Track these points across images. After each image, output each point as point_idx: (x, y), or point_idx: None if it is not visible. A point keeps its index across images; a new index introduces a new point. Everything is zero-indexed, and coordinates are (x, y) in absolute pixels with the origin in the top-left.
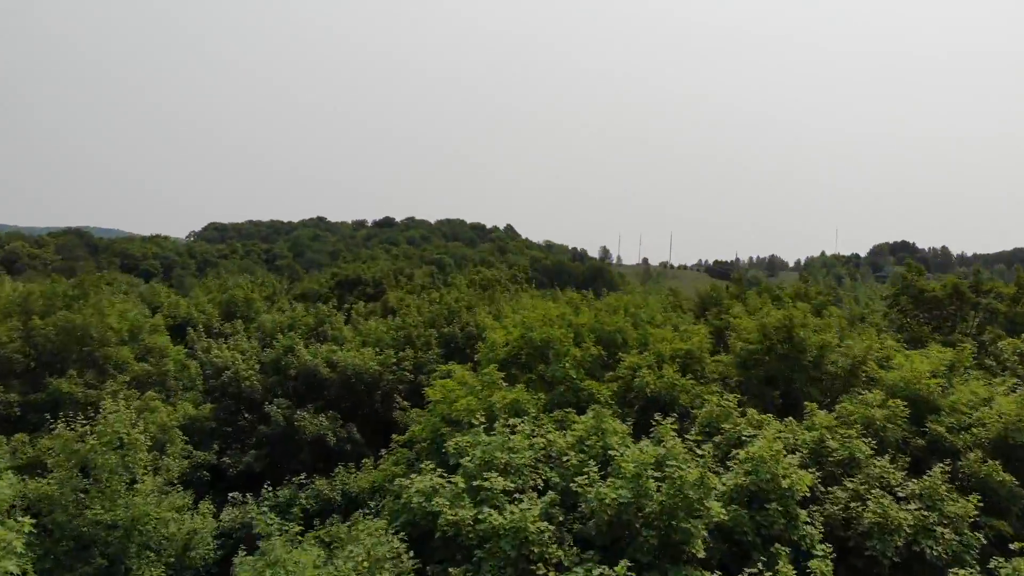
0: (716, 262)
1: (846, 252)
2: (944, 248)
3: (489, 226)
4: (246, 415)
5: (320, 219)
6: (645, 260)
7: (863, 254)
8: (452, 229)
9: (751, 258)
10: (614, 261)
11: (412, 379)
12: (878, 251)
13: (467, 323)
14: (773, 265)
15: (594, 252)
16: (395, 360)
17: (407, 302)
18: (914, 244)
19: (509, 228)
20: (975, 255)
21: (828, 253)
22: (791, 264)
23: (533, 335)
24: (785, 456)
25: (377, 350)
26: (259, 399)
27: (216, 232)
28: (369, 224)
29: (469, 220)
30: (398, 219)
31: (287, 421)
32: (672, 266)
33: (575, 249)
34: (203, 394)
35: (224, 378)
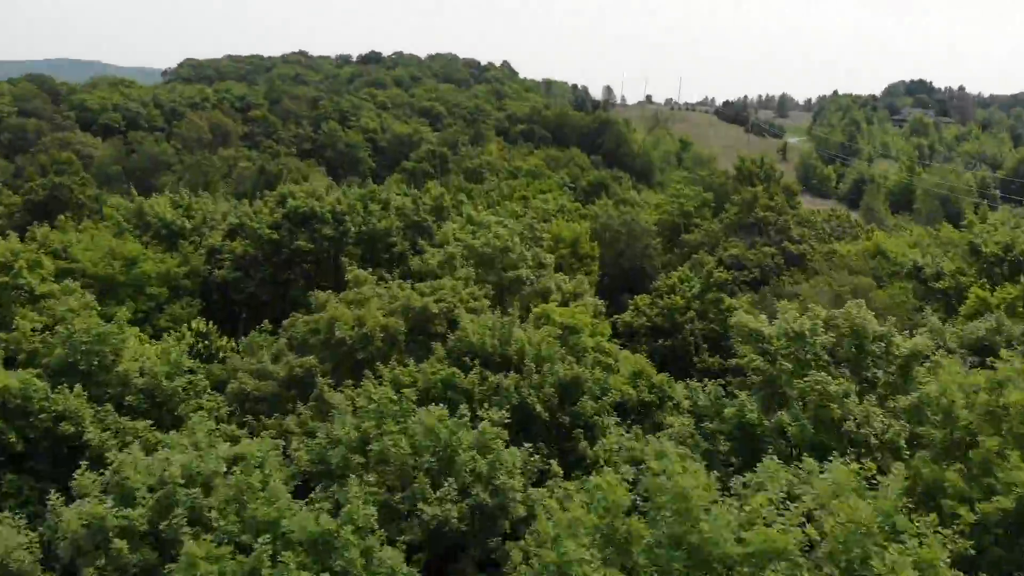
0: (725, 103)
1: (859, 91)
2: (961, 88)
3: (484, 63)
4: None
5: (302, 53)
6: (649, 98)
7: (878, 94)
8: (444, 67)
9: (760, 96)
10: (618, 101)
11: None
12: (893, 91)
13: (472, 475)
14: (784, 104)
15: (596, 91)
16: None
17: (369, 327)
18: (931, 83)
19: (506, 65)
20: (991, 96)
21: (841, 92)
22: (801, 103)
23: None
24: None
25: None
26: None
27: (192, 70)
28: (354, 59)
29: (463, 55)
30: (385, 53)
31: None
32: (678, 106)
33: (575, 87)
34: None
35: None
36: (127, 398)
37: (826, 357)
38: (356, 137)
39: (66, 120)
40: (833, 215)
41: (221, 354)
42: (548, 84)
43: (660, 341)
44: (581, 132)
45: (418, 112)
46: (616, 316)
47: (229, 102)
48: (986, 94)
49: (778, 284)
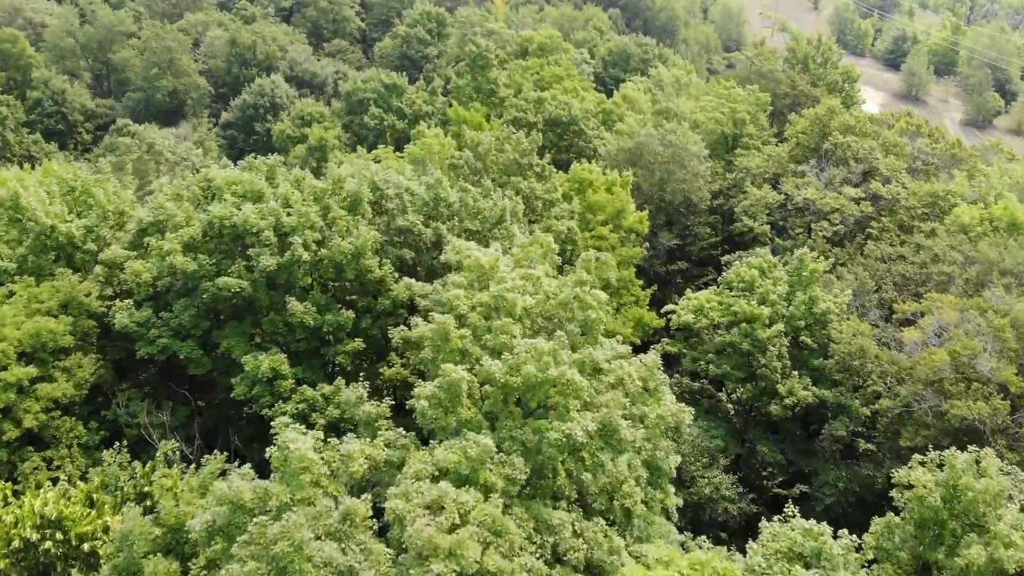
0: None
1: None
2: None
3: None
4: None
5: None
6: None
7: None
8: None
9: None
10: None
11: None
12: None
13: None
14: None
15: None
16: None
17: None
18: None
19: None
20: None
21: None
22: None
23: None
24: None
25: None
26: None
27: None
28: None
29: None
30: None
31: None
32: None
33: None
34: None
35: None
36: None
37: None
38: None
39: None
40: (912, 124)
41: (86, 545)
42: None
43: (724, 336)
44: None
45: None
46: (668, 309)
47: None
48: None
49: (865, 243)
